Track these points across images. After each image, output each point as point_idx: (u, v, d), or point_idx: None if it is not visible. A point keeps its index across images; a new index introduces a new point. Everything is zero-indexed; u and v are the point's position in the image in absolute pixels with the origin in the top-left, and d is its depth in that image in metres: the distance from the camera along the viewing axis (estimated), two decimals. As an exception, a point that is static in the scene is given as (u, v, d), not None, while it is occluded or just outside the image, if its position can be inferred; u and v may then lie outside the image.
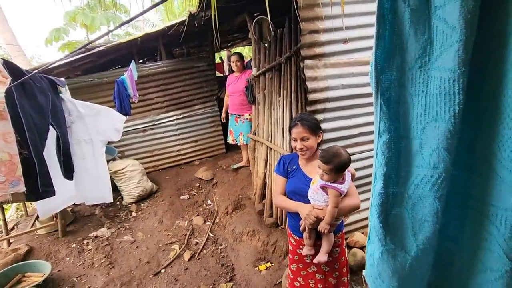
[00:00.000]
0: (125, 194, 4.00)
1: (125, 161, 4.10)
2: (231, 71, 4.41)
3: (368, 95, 2.37)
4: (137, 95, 3.82)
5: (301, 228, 1.55)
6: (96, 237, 3.32)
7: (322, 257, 1.50)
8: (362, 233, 2.65)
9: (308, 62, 2.13)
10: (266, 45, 2.97)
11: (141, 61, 5.33)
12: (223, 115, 4.34)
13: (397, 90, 0.68)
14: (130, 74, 3.59)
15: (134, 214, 3.82)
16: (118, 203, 4.03)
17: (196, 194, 4.24)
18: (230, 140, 4.20)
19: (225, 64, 9.58)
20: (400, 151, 0.68)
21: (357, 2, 2.16)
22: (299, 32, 2.27)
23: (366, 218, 2.69)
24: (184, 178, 4.58)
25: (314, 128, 1.58)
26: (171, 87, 4.66)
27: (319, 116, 2.26)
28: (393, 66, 0.69)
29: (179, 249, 3.11)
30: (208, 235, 3.34)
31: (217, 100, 5.08)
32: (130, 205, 3.97)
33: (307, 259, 1.65)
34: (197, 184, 4.40)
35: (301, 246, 1.65)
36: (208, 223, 3.58)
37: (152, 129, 4.69)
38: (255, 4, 2.96)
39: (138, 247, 3.19)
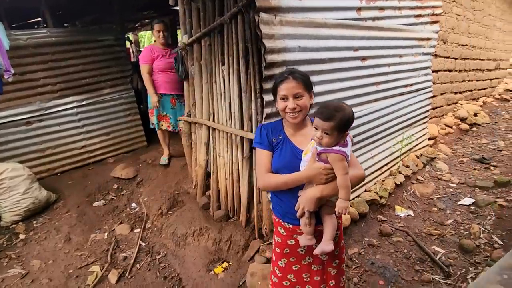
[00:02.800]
0: (4, 211, 2.84)
1: None
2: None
3: (323, 61, 2.20)
4: (12, 71, 2.72)
5: (299, 213, 1.21)
6: (-44, 280, 2.20)
7: (327, 245, 1.19)
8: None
9: (263, 16, 1.77)
10: (199, 5, 2.46)
11: (17, 27, 3.91)
12: (155, 98, 3.27)
13: None
14: (-3, 38, 2.50)
15: (22, 236, 2.73)
16: (-7, 225, 2.84)
17: (115, 197, 3.39)
18: (163, 126, 3.46)
19: (133, 49, 8.33)
20: None
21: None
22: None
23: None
24: (95, 181, 3.61)
25: (309, 84, 1.26)
26: (65, 65, 3.56)
27: (277, 83, 1.95)
28: None
29: (101, 270, 2.34)
30: (140, 244, 2.66)
31: (131, 83, 4.21)
32: (14, 226, 2.84)
33: (301, 251, 1.33)
34: (115, 186, 3.53)
35: (294, 236, 1.32)
36: (137, 230, 2.87)
37: (40, 120, 3.51)
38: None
39: (35, 280, 2.26)
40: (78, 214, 3.03)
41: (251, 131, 2.17)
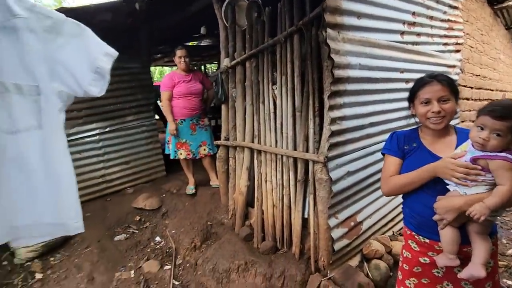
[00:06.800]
0: (18, 246, 2.53)
1: (19, 195, 2.66)
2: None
3: (378, 80, 2.15)
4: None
5: (441, 225, 1.03)
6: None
7: (477, 270, 0.98)
8: (379, 240, 2.28)
9: (330, 32, 1.74)
10: (244, 28, 2.47)
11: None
12: (173, 126, 3.14)
13: None
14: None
15: (39, 276, 2.41)
16: (6, 262, 2.51)
17: (137, 231, 3.11)
18: (181, 155, 3.29)
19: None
20: None
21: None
22: (307, 3, 1.90)
23: (380, 222, 2.37)
24: (115, 212, 3.34)
25: (455, 89, 1.13)
26: (92, 91, 3.48)
27: (339, 100, 1.87)
28: None
29: (134, 315, 2.02)
30: (173, 284, 2.35)
31: (154, 111, 4.14)
32: (29, 263, 2.52)
33: (437, 273, 1.13)
34: (137, 218, 3.26)
35: (429, 253, 1.13)
36: (167, 267, 2.57)
37: (62, 147, 3.33)
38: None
39: (58, 329, 1.92)
40: (99, 250, 2.73)
41: (307, 151, 2.03)
